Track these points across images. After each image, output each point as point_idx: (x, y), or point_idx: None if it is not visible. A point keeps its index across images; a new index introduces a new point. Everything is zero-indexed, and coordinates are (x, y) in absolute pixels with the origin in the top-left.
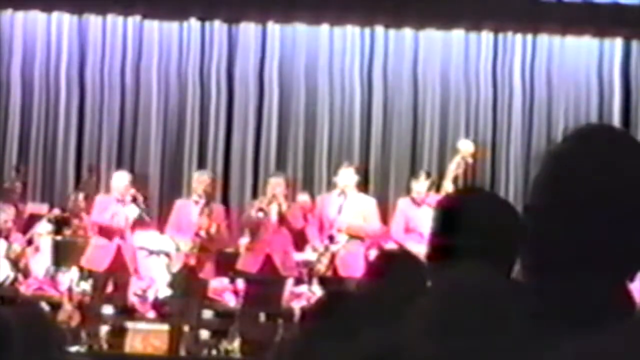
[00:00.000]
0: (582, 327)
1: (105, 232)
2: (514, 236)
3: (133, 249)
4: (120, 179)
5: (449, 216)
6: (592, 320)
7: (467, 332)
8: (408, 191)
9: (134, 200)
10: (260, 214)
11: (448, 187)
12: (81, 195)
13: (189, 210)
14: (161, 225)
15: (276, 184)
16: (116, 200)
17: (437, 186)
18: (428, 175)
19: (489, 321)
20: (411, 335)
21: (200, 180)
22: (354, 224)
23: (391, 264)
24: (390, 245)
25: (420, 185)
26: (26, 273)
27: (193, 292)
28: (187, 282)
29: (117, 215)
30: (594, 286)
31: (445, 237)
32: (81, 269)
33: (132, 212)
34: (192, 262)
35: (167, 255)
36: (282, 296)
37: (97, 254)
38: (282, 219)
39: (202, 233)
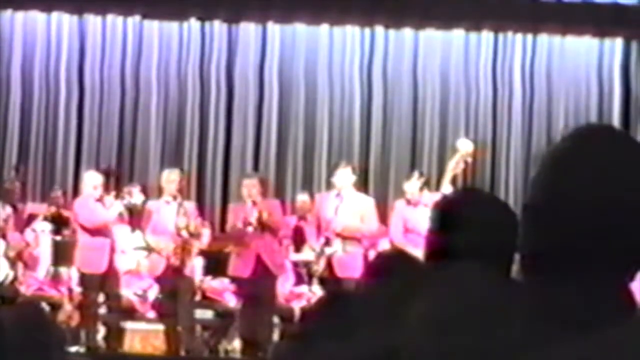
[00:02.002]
0: (582, 327)
1: (95, 233)
2: (512, 236)
3: (127, 249)
4: (92, 178)
5: (447, 216)
6: (592, 320)
7: (467, 332)
8: (402, 192)
9: (116, 196)
10: (250, 228)
11: (446, 186)
12: (59, 192)
13: (163, 210)
14: (135, 220)
15: (251, 185)
16: (94, 200)
17: (435, 186)
18: (420, 174)
19: (489, 321)
20: (411, 335)
21: (170, 179)
22: (350, 224)
23: (389, 265)
24: (389, 246)
25: (412, 185)
26: (26, 273)
27: (182, 292)
28: (175, 283)
29: (99, 214)
30: (594, 286)
31: (443, 237)
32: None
33: (116, 209)
34: (176, 262)
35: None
36: (276, 295)
37: (92, 256)
38: (263, 225)
39: (184, 233)
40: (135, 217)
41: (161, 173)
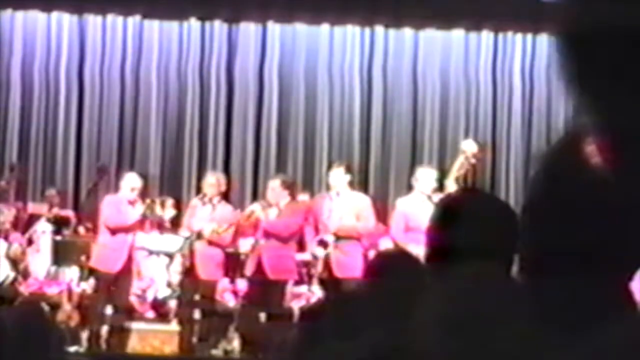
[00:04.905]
0: (582, 327)
1: (117, 233)
2: (512, 236)
3: (137, 249)
4: (132, 181)
5: (448, 215)
6: (592, 320)
7: (471, 332)
8: (409, 188)
9: (150, 205)
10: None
11: (451, 188)
12: (54, 191)
13: (197, 211)
14: (160, 226)
15: (270, 188)
16: (127, 202)
17: (439, 186)
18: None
19: (492, 322)
20: (414, 335)
21: (209, 182)
22: (345, 224)
23: (389, 264)
24: (391, 245)
25: (426, 173)
26: (26, 273)
27: (200, 293)
28: (193, 284)
29: (127, 216)
30: (593, 286)
31: (443, 235)
32: (82, 269)
33: (140, 212)
34: (197, 263)
35: (169, 255)
36: (284, 298)
37: (109, 255)
38: (272, 224)
39: (207, 234)
40: (161, 225)
41: (163, 172)
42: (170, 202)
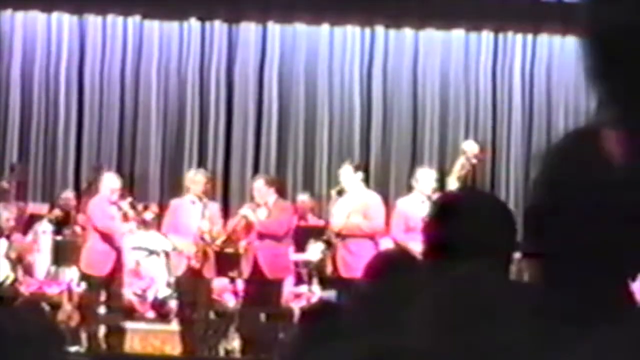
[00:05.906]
0: (583, 327)
1: (105, 235)
2: (510, 236)
3: (127, 250)
4: (111, 181)
5: (445, 213)
6: (594, 319)
7: (470, 332)
8: (409, 188)
9: (132, 204)
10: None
11: (452, 188)
12: (71, 194)
13: (186, 210)
14: (160, 225)
15: (254, 189)
16: (109, 203)
17: (440, 187)
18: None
19: (492, 321)
20: (417, 335)
21: (194, 180)
22: (350, 222)
23: (389, 264)
24: (389, 245)
25: (426, 173)
26: (26, 273)
27: (200, 294)
28: (193, 284)
29: (113, 217)
30: (595, 286)
31: (439, 233)
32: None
33: (123, 213)
34: (196, 264)
35: (168, 255)
36: (281, 296)
37: (98, 258)
38: (265, 225)
39: (207, 237)
40: (146, 224)
41: (163, 172)
42: (153, 207)
